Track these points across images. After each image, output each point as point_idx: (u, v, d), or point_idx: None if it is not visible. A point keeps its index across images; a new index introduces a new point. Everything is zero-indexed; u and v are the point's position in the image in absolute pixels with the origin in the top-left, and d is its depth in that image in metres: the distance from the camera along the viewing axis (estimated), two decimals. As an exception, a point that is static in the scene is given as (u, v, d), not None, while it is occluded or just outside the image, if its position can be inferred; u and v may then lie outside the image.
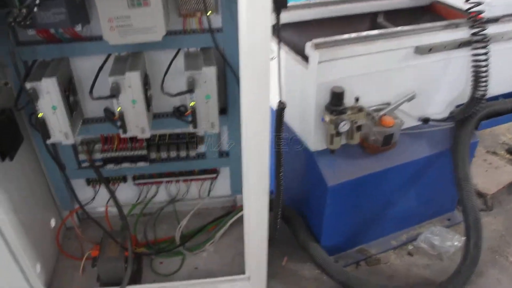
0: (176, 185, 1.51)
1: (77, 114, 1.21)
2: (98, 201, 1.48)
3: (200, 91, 1.12)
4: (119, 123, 1.14)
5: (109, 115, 1.18)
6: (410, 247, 1.59)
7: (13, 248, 1.16)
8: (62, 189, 1.40)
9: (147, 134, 1.18)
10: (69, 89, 1.15)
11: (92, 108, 1.26)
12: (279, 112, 1.05)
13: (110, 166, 1.33)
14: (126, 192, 1.48)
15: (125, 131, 1.16)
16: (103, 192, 1.45)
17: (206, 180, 1.48)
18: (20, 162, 1.22)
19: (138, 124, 1.16)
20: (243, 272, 1.35)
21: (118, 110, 1.12)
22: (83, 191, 1.44)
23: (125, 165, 1.33)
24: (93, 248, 1.32)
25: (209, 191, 1.52)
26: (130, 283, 1.28)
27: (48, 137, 1.14)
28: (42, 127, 1.11)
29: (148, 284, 1.34)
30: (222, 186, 1.53)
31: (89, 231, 1.51)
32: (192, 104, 1.14)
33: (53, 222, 1.44)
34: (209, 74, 1.10)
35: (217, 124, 1.19)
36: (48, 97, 1.08)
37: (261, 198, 1.12)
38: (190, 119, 1.16)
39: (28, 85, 1.05)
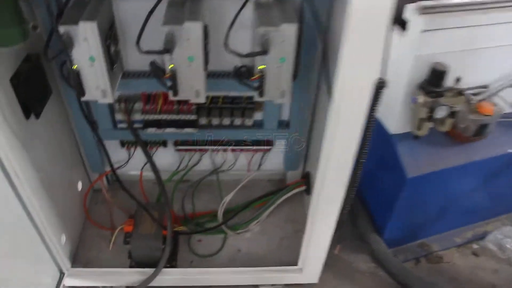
0: (223, 154, 1.31)
1: (118, 67, 0.99)
2: (131, 163, 1.29)
3: (274, 52, 0.89)
4: (169, 83, 0.93)
5: (157, 72, 0.96)
6: (475, 246, 1.39)
7: (35, 217, 0.98)
8: (92, 150, 1.21)
9: (202, 98, 0.96)
10: (110, 37, 0.93)
11: (134, 59, 1.04)
12: (377, 90, 0.82)
13: (151, 130, 1.13)
14: (165, 157, 1.29)
15: (176, 93, 0.94)
16: (138, 155, 1.26)
17: (257, 151, 1.28)
18: (46, 117, 1.02)
19: (193, 86, 0.94)
20: (291, 259, 1.19)
21: (170, 67, 0.90)
22: (115, 152, 1.25)
23: (169, 130, 1.13)
24: (126, 222, 1.14)
25: (260, 164, 1.32)
26: (165, 265, 1.12)
27: (82, 93, 0.93)
28: (76, 82, 0.90)
29: (186, 268, 1.17)
30: (273, 159, 1.33)
31: (118, 194, 1.33)
32: (261, 67, 0.91)
33: (80, 185, 1.26)
34: (288, 33, 0.87)
35: (288, 92, 0.97)
36: (86, 46, 0.86)
37: (338, 187, 0.92)
38: (256, 84, 0.94)
39: (61, 29, 0.84)
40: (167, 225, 1.10)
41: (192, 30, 0.85)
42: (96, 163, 1.25)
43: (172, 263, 1.17)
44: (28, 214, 0.97)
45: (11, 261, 0.95)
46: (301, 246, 1.11)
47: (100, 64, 0.89)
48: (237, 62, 1.00)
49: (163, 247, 1.11)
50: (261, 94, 0.95)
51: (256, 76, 0.93)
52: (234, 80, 1.01)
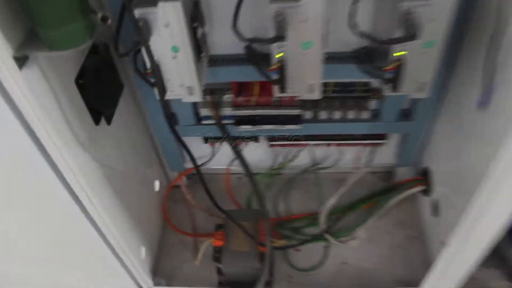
0: (325, 149, 1.08)
1: (205, 55, 0.78)
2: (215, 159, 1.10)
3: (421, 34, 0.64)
4: (275, 76, 0.71)
5: (256, 59, 0.74)
6: None
7: (109, 237, 0.81)
8: (171, 147, 1.02)
9: (316, 94, 0.74)
10: (196, 18, 0.70)
11: (221, 40, 0.81)
12: None
13: (245, 128, 0.92)
14: (256, 153, 1.08)
15: (284, 89, 0.72)
16: (223, 149, 1.07)
17: (367, 146, 1.05)
18: (118, 116, 0.83)
19: (307, 79, 0.71)
20: (406, 273, 1.00)
21: (278, 56, 0.68)
22: (197, 148, 1.06)
23: (267, 127, 0.91)
24: (215, 235, 0.96)
25: (370, 160, 1.09)
26: (262, 284, 0.94)
27: (163, 92, 0.73)
28: (157, 79, 0.70)
29: (286, 289, 0.99)
30: (382, 151, 1.09)
31: (197, 188, 1.14)
32: (400, 54, 0.67)
33: (157, 186, 1.08)
34: (442, 8, 0.62)
35: (429, 85, 0.72)
36: (167, 33, 0.65)
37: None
38: (390, 76, 0.70)
39: (136, 13, 0.62)
40: (264, 241, 0.90)
41: (311, 8, 0.62)
42: (175, 161, 1.07)
43: (269, 278, 0.99)
44: (102, 235, 0.80)
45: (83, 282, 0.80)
46: (426, 267, 0.88)
47: (186, 54, 0.68)
48: (354, 40, 0.76)
49: (259, 266, 0.92)
50: (394, 87, 0.71)
51: (392, 66, 0.68)
52: (352, 65, 0.78)
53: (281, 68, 0.69)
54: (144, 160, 1.01)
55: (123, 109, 0.86)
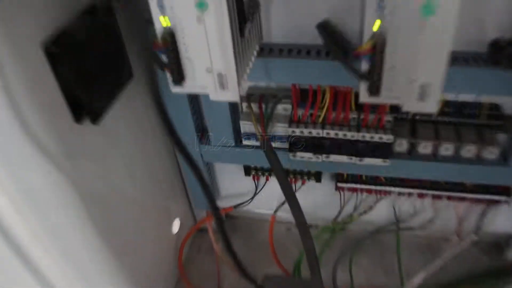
0: (416, 202, 0.76)
1: (253, 30, 0.50)
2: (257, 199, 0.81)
3: None
4: (365, 66, 0.42)
5: (334, 43, 0.46)
6: None
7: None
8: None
9: (431, 104, 0.44)
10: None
11: (280, 18, 0.54)
12: None
13: (304, 156, 0.62)
14: (315, 195, 0.79)
15: (376, 89, 0.43)
16: (270, 187, 0.77)
17: (480, 202, 0.72)
18: (119, 116, 0.57)
19: (418, 75, 0.42)
20: None
21: (375, 27, 0.39)
22: (236, 181, 0.78)
23: (337, 158, 0.61)
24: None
25: (479, 225, 0.75)
26: None
27: (179, 78, 0.46)
28: (150, 53, 0.43)
29: None
30: (497, 214, 0.76)
31: (232, 236, 0.86)
32: None
33: (176, 225, 0.80)
34: None
35: None
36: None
37: None
38: None
39: None
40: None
41: None
42: (201, 197, 0.79)
43: None
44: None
45: None
46: None
47: (219, 15, 0.41)
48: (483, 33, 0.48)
49: None
50: None
51: None
52: (483, 70, 0.48)
53: (376, 49, 0.40)
54: (160, 186, 0.74)
55: (133, 106, 0.60)
